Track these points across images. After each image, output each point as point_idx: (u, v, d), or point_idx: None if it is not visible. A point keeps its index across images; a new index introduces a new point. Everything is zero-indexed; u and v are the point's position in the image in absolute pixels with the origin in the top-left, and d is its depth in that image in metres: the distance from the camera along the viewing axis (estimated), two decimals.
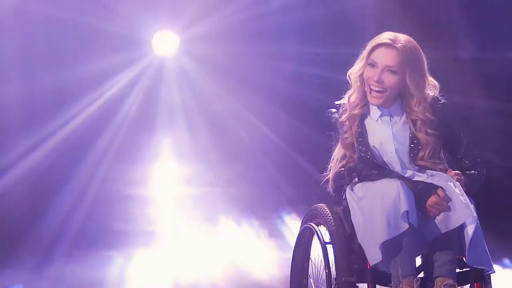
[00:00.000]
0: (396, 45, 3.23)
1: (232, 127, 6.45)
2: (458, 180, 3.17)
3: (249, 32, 6.31)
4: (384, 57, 3.24)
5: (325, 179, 3.35)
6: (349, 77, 3.34)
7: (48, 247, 6.07)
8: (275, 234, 6.30)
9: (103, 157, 6.31)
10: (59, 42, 6.11)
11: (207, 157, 6.45)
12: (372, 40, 3.29)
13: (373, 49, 3.26)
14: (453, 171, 3.20)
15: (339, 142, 3.32)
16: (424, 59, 3.29)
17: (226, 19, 6.30)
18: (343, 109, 3.34)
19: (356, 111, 3.30)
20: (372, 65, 3.26)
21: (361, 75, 3.30)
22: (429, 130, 3.25)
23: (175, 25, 6.39)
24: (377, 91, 3.27)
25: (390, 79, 3.25)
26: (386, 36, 3.26)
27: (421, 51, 3.28)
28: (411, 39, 3.28)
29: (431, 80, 3.31)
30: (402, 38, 3.26)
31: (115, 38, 6.20)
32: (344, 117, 3.31)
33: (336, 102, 3.38)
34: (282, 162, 6.44)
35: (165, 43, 6.42)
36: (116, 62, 6.26)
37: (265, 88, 6.42)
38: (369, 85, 3.28)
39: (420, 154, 3.24)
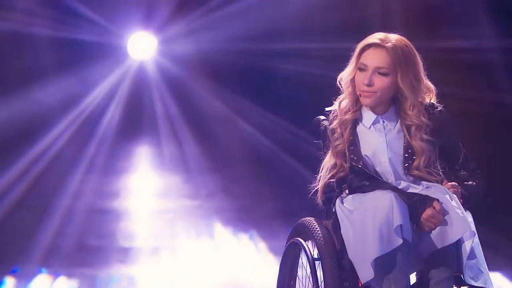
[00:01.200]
0: (386, 45, 3.23)
1: (215, 135, 6.45)
2: (454, 192, 3.17)
3: (235, 29, 6.32)
4: (373, 59, 3.24)
5: (313, 190, 3.34)
6: (339, 82, 3.34)
7: (16, 264, 6.02)
8: (260, 249, 6.29)
9: (75, 168, 6.28)
10: (30, 58, 6.08)
11: (187, 167, 6.45)
12: (361, 42, 3.29)
13: (362, 51, 3.26)
14: (449, 183, 3.20)
15: (330, 151, 3.31)
16: (419, 59, 3.28)
17: (204, 15, 6.30)
18: (334, 115, 3.33)
19: (348, 116, 3.30)
20: (362, 68, 3.26)
21: (352, 80, 3.30)
22: (424, 136, 3.24)
23: (150, 25, 6.37)
24: (367, 91, 3.26)
25: (380, 81, 3.25)
26: (375, 37, 3.27)
27: (414, 51, 3.27)
28: (403, 39, 3.28)
29: (426, 83, 3.30)
30: (393, 37, 3.26)
31: (87, 47, 6.19)
32: (335, 123, 3.31)
33: (327, 109, 3.38)
34: (268, 173, 6.43)
35: (141, 45, 6.40)
36: (92, 72, 6.26)
37: (253, 90, 6.42)
38: (360, 90, 3.27)
39: (415, 163, 3.23)
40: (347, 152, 3.26)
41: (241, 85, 6.42)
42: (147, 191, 6.46)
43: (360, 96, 3.28)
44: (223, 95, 6.45)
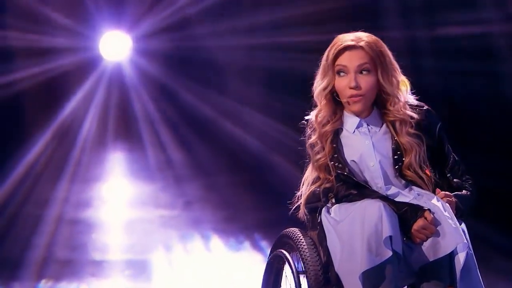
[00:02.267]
0: (360, 44, 3.27)
1: (194, 139, 6.44)
2: (449, 202, 3.17)
3: (214, 24, 6.33)
4: (352, 59, 3.26)
5: (294, 206, 3.35)
6: (315, 97, 3.34)
7: None
8: (241, 262, 6.28)
9: (45, 176, 6.25)
10: None
11: (164, 174, 6.43)
12: (330, 48, 3.30)
13: (336, 56, 3.28)
14: (442, 192, 3.20)
15: (311, 164, 3.32)
16: (391, 55, 3.31)
17: (179, 10, 6.29)
18: (312, 128, 3.34)
19: (327, 128, 3.31)
20: (342, 71, 3.27)
21: (330, 91, 3.30)
22: (410, 130, 3.27)
23: (121, 23, 6.34)
24: (356, 96, 3.27)
25: (366, 81, 3.27)
26: (345, 39, 3.29)
27: (386, 48, 3.31)
28: (373, 36, 3.32)
29: (402, 79, 3.33)
30: (363, 35, 3.30)
31: (56, 54, 6.18)
32: (314, 137, 3.32)
33: (306, 117, 3.39)
34: (251, 181, 6.43)
35: (114, 45, 6.37)
36: (66, 80, 6.25)
37: (234, 91, 6.42)
38: (347, 97, 3.27)
39: (406, 161, 3.24)
40: (330, 164, 3.26)
41: (223, 84, 6.42)
42: (121, 200, 6.45)
43: (348, 103, 3.28)
44: (204, 95, 6.44)
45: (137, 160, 6.47)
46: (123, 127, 6.48)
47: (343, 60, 3.27)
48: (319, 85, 3.32)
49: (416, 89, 3.37)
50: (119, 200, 6.45)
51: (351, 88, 3.26)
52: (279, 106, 6.27)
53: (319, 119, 3.32)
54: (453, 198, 3.20)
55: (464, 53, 6.16)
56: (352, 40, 3.27)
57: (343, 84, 3.27)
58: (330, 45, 3.31)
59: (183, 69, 6.45)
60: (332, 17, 6.00)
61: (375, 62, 3.26)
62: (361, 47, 3.26)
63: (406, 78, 3.35)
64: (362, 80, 3.27)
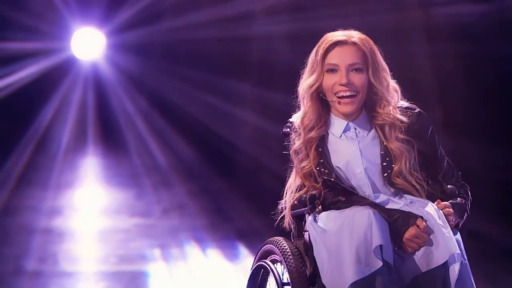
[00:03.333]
0: (352, 40, 3.28)
1: (170, 145, 6.43)
2: (447, 213, 3.16)
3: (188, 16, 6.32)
4: (343, 56, 3.27)
5: (278, 214, 3.34)
6: (300, 96, 3.33)
7: None
8: (223, 273, 6.28)
9: (14, 183, 6.22)
10: None
11: (139, 181, 6.42)
12: (320, 44, 3.30)
13: (327, 51, 3.28)
14: (442, 202, 3.20)
15: (295, 171, 3.32)
16: (380, 55, 3.32)
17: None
18: (296, 133, 3.33)
19: (312, 134, 3.30)
20: (332, 69, 3.27)
21: (316, 89, 3.29)
22: (399, 135, 3.27)
23: (92, 18, 6.31)
24: (348, 96, 3.27)
25: (359, 79, 3.27)
26: (336, 35, 3.30)
27: (376, 47, 3.32)
28: (362, 33, 3.33)
29: (392, 84, 3.34)
30: (354, 32, 3.32)
31: (25, 57, 6.15)
32: (298, 143, 3.31)
33: (290, 120, 3.38)
34: (231, 187, 6.43)
35: (87, 43, 6.34)
36: (38, 85, 6.22)
37: (221, 88, 6.41)
38: (336, 93, 3.27)
39: (396, 168, 3.24)
40: (315, 170, 3.26)
41: (204, 79, 6.41)
42: (94, 208, 6.43)
43: (339, 103, 3.27)
44: (185, 93, 6.43)
45: (111, 166, 6.46)
46: (97, 130, 6.46)
47: (334, 57, 3.27)
48: (305, 81, 3.31)
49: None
50: (92, 208, 6.43)
51: (341, 85, 3.26)
52: (268, 104, 6.26)
53: (305, 122, 3.32)
54: (451, 209, 3.20)
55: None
56: (343, 36, 3.28)
57: (332, 81, 3.27)
58: (319, 42, 3.31)
59: (162, 63, 6.42)
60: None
61: (366, 61, 3.27)
62: (353, 43, 3.27)
63: (396, 82, 3.35)
64: (354, 78, 3.27)
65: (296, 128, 3.34)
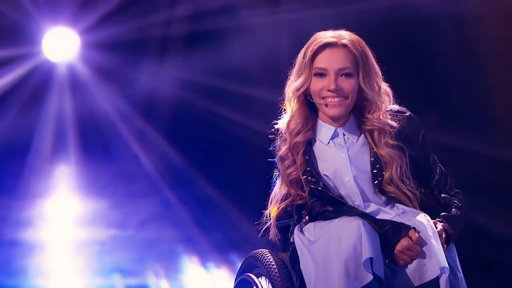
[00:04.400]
0: (343, 42, 3.27)
1: (146, 152, 6.42)
2: (439, 232, 3.15)
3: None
4: (332, 60, 3.26)
5: (263, 225, 3.34)
6: (287, 99, 3.34)
7: None
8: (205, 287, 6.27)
9: None
10: None
11: (115, 190, 6.40)
12: (309, 45, 3.30)
13: (316, 53, 3.28)
14: (438, 224, 3.19)
15: (280, 179, 3.31)
16: (373, 57, 3.32)
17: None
18: (282, 138, 3.33)
19: (299, 138, 3.31)
20: (320, 74, 3.27)
21: (304, 93, 3.29)
22: (389, 141, 3.27)
23: (63, 17, 6.30)
24: (337, 102, 3.27)
25: (348, 84, 3.27)
26: (326, 35, 3.29)
27: (368, 48, 3.32)
28: (354, 34, 3.32)
29: (384, 87, 3.34)
30: (345, 33, 3.31)
31: None
32: (284, 149, 3.31)
33: (276, 126, 3.38)
34: (211, 196, 6.43)
35: (60, 44, 6.32)
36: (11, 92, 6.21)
37: (206, 88, 6.41)
38: (323, 98, 3.27)
39: (386, 176, 3.25)
40: (302, 178, 3.26)
41: (183, 83, 6.41)
42: (67, 218, 6.40)
43: (326, 106, 3.27)
44: (162, 96, 6.43)
45: (85, 173, 6.44)
46: (70, 136, 6.44)
47: (323, 60, 3.27)
48: (292, 84, 3.31)
49: None
50: (65, 219, 6.40)
51: (329, 90, 3.26)
52: (251, 104, 6.26)
53: (291, 126, 3.32)
54: (443, 232, 3.17)
55: None
56: (333, 37, 3.28)
57: (319, 86, 3.27)
58: (308, 42, 3.31)
59: (142, 58, 6.41)
60: None
61: (357, 64, 3.27)
62: (343, 45, 3.27)
63: (388, 85, 3.35)
64: (344, 83, 3.27)
65: (281, 133, 3.34)
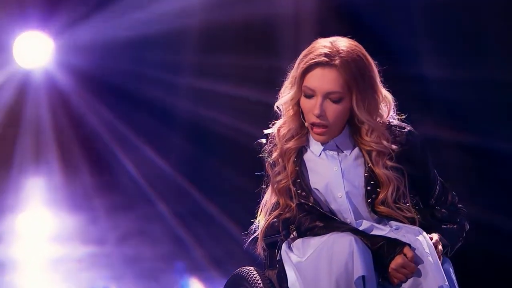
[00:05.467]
0: (335, 62, 3.22)
1: (125, 162, 6.41)
2: (434, 244, 3.16)
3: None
4: (322, 82, 3.23)
5: (250, 238, 3.34)
6: (278, 107, 3.34)
7: None
8: None
9: None
10: None
11: (92, 204, 6.39)
12: (302, 57, 3.28)
13: (306, 71, 3.26)
14: (435, 235, 3.20)
15: (270, 187, 3.31)
16: (374, 67, 3.29)
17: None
18: (273, 144, 3.33)
19: (291, 145, 3.30)
20: (308, 94, 3.26)
21: (296, 103, 3.29)
22: (388, 163, 3.26)
23: (34, 20, 6.27)
24: (319, 126, 3.26)
25: (333, 110, 3.25)
26: (320, 51, 3.25)
27: (368, 58, 3.28)
28: (353, 45, 3.28)
29: (384, 95, 3.32)
30: (342, 47, 3.25)
31: None
32: (275, 155, 3.31)
33: (266, 131, 3.39)
34: (196, 210, 6.42)
35: (32, 49, 6.29)
36: None
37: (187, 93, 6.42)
38: (310, 122, 3.26)
39: (381, 196, 3.24)
40: (292, 188, 3.25)
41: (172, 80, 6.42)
42: (41, 234, 6.39)
43: (312, 129, 3.27)
44: (138, 110, 6.43)
45: (60, 186, 6.42)
46: (44, 146, 6.43)
47: (311, 81, 3.24)
48: (285, 94, 3.32)
49: None
50: (38, 234, 6.39)
51: (314, 114, 3.24)
52: (237, 104, 6.27)
53: (282, 132, 3.32)
54: (439, 244, 3.18)
55: None
56: (326, 55, 3.23)
57: (307, 106, 3.26)
58: (305, 51, 3.28)
59: (120, 65, 6.40)
60: None
61: (350, 87, 3.23)
62: (335, 65, 3.22)
63: (388, 90, 3.33)
64: (329, 108, 3.24)
65: (272, 139, 3.34)
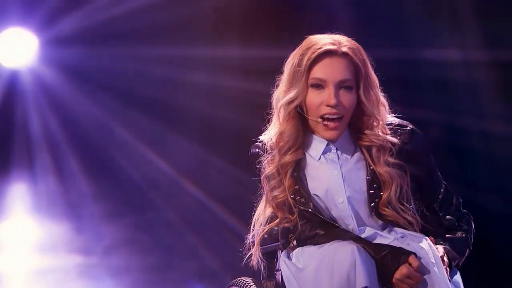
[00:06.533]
0: (343, 50, 3.26)
1: (115, 164, 6.41)
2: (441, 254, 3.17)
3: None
4: (333, 71, 3.24)
5: (246, 250, 3.34)
6: (276, 110, 3.32)
7: None
8: None
9: None
10: None
11: (79, 211, 6.38)
12: (304, 52, 3.27)
13: (314, 63, 3.26)
14: (440, 248, 3.21)
15: (265, 200, 3.31)
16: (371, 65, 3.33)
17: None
18: (269, 156, 3.32)
19: (288, 158, 3.29)
20: (318, 85, 3.25)
21: (298, 105, 3.28)
22: (389, 159, 3.27)
23: (28, 18, 6.27)
24: (334, 119, 3.26)
25: (348, 98, 3.26)
26: (324, 41, 3.27)
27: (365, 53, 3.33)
28: (352, 40, 3.31)
29: (381, 98, 3.35)
30: (343, 39, 3.29)
31: None
32: (271, 167, 3.30)
33: (261, 137, 3.38)
34: (188, 219, 6.42)
35: (15, 47, 6.28)
36: None
37: (163, 112, 6.42)
38: (322, 115, 3.26)
39: (384, 197, 3.25)
40: (290, 199, 3.25)
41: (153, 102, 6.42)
42: (25, 244, 6.38)
43: (323, 126, 3.26)
44: (131, 113, 6.42)
45: (45, 194, 6.42)
46: (26, 151, 6.41)
47: (322, 71, 3.25)
48: (283, 95, 3.30)
49: None
50: (21, 245, 6.38)
51: (328, 105, 3.24)
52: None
53: (279, 144, 3.30)
54: (445, 255, 3.20)
55: None
56: (333, 44, 3.25)
57: (318, 100, 3.26)
58: (302, 48, 3.29)
59: (101, 86, 6.40)
60: None
61: (358, 76, 3.26)
62: (344, 53, 3.25)
63: (384, 95, 3.35)
64: (343, 97, 3.26)
65: (267, 149, 3.33)
